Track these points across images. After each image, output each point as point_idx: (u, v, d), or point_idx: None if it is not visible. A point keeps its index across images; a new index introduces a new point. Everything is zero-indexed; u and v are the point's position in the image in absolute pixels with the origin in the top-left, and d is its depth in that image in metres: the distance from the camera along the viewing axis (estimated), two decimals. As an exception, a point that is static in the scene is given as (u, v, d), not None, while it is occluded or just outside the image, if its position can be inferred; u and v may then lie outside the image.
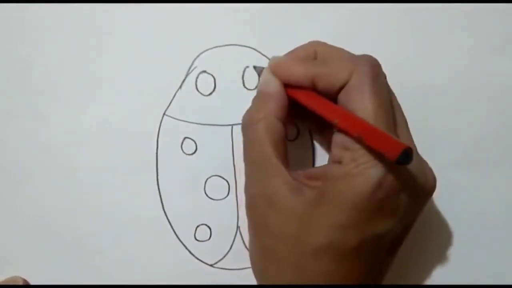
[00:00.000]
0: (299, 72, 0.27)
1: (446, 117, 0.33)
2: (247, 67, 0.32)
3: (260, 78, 0.29)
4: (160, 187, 0.32)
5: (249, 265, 0.31)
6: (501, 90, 0.33)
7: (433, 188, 0.27)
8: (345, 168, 0.25)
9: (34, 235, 0.32)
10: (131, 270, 0.32)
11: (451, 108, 0.33)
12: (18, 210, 0.32)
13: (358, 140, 0.25)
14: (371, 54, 0.32)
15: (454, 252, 0.33)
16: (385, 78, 0.28)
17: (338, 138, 0.26)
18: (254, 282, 0.29)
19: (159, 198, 0.32)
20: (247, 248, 0.32)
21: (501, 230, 0.33)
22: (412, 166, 0.25)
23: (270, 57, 0.32)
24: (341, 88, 0.26)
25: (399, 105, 0.28)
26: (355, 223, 0.25)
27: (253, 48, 0.32)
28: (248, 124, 0.28)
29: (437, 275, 0.33)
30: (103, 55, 0.32)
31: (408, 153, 0.23)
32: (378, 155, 0.25)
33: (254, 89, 0.32)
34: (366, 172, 0.24)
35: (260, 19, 0.32)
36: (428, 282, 0.33)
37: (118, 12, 0.32)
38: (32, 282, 0.32)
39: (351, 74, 0.26)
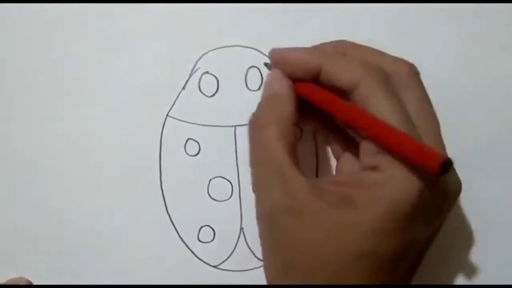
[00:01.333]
0: (305, 59, 0.26)
1: (449, 118, 0.33)
2: (250, 67, 0.32)
3: (266, 79, 0.28)
4: (163, 188, 0.32)
5: (253, 267, 0.31)
6: (503, 90, 0.33)
7: (460, 189, 0.26)
8: (383, 175, 0.24)
9: (37, 236, 0.32)
10: (134, 271, 0.32)
11: (458, 109, 0.33)
12: (21, 211, 0.32)
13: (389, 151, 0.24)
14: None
15: (462, 253, 0.33)
16: (416, 76, 0.27)
17: (369, 144, 0.25)
18: (257, 283, 0.29)
19: (162, 199, 0.32)
20: (250, 250, 0.32)
21: (506, 232, 0.33)
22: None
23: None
24: (346, 90, 0.25)
25: (428, 109, 0.26)
26: (394, 230, 0.23)
27: (256, 49, 0.32)
28: (257, 127, 0.26)
29: (442, 276, 0.33)
30: (106, 56, 0.32)
31: (448, 164, 0.22)
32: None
33: (257, 90, 0.32)
34: (406, 179, 0.23)
35: (263, 20, 0.32)
36: (433, 282, 0.33)
37: (120, 13, 0.32)
38: (35, 282, 0.32)
39: (360, 81, 0.25)
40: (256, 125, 0.26)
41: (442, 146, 0.26)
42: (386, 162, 0.24)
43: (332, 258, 0.23)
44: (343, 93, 0.26)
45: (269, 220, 0.25)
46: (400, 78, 0.26)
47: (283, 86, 0.26)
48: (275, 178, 0.25)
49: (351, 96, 0.25)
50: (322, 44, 0.28)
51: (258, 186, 0.26)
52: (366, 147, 0.25)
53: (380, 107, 0.24)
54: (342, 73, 0.25)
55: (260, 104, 0.27)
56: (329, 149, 0.32)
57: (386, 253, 0.24)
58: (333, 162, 0.31)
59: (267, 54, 0.32)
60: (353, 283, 0.23)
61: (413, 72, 0.27)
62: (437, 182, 0.24)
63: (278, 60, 0.27)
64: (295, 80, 0.27)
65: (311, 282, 0.24)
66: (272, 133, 0.25)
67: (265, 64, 0.30)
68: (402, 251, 0.24)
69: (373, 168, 0.24)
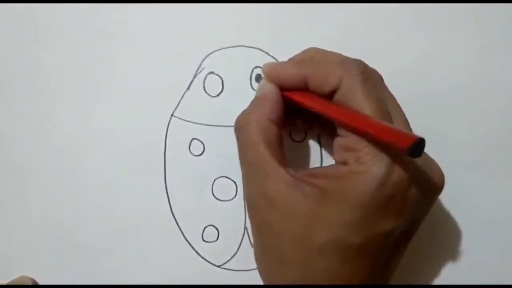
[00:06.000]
0: (291, 72, 0.28)
1: (456, 117, 0.33)
2: (255, 67, 0.32)
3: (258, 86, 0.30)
4: (168, 188, 0.32)
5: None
6: (507, 90, 0.33)
7: (441, 184, 0.27)
8: (349, 168, 0.25)
9: (43, 235, 0.32)
10: (139, 271, 0.32)
11: (461, 108, 0.33)
12: (27, 210, 0.32)
13: (366, 136, 0.25)
14: (378, 55, 0.32)
15: (462, 253, 0.33)
16: (381, 80, 0.28)
17: (340, 141, 0.27)
18: (261, 282, 0.29)
19: (166, 199, 0.32)
20: (254, 249, 0.32)
21: (508, 232, 0.33)
22: (417, 163, 0.25)
23: (278, 58, 0.32)
24: (331, 91, 0.27)
25: (398, 106, 0.28)
26: (361, 221, 0.25)
27: (261, 49, 0.32)
28: (240, 126, 0.28)
29: (444, 276, 0.33)
30: (111, 56, 0.32)
31: (421, 144, 0.23)
32: (381, 154, 0.25)
33: (261, 90, 0.32)
34: (370, 170, 0.25)
35: (268, 20, 0.32)
36: (434, 282, 0.33)
37: (126, 13, 0.32)
38: (41, 282, 0.32)
39: (341, 79, 0.26)
40: (239, 124, 0.29)
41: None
42: (353, 158, 0.25)
43: (301, 246, 0.26)
44: (332, 94, 0.27)
45: (252, 209, 0.28)
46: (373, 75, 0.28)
47: (265, 90, 0.29)
48: (257, 171, 0.27)
49: (336, 94, 0.27)
50: (297, 55, 0.30)
51: (244, 178, 0.29)
52: (337, 144, 0.27)
53: (359, 99, 0.26)
54: (324, 76, 0.27)
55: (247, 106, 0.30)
56: (331, 148, 0.32)
57: (350, 244, 0.25)
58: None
59: (273, 56, 0.32)
60: (320, 270, 0.25)
61: (379, 75, 0.28)
62: (405, 177, 0.25)
63: (269, 73, 0.29)
64: (288, 89, 0.29)
65: (283, 265, 0.26)
66: (251, 129, 0.28)
67: (257, 75, 0.32)
68: (369, 243, 0.25)
69: (343, 163, 0.26)
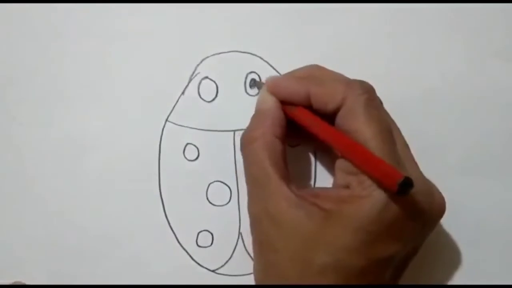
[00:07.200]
0: (294, 87, 0.28)
1: (447, 121, 0.33)
2: (250, 73, 0.32)
3: (257, 97, 0.30)
4: (162, 193, 0.32)
5: (251, 271, 0.31)
6: (501, 94, 0.33)
7: (441, 211, 0.27)
8: (351, 191, 0.26)
9: (37, 240, 0.32)
10: (133, 276, 0.32)
11: (452, 112, 0.33)
12: (20, 214, 0.32)
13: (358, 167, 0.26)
14: (372, 57, 0.32)
15: (454, 256, 0.33)
16: (381, 103, 0.28)
17: (341, 164, 0.27)
18: None
19: (161, 204, 0.32)
20: (249, 254, 0.32)
21: (502, 234, 0.33)
22: (419, 190, 0.25)
23: (272, 63, 0.32)
24: (335, 110, 0.27)
25: (399, 131, 0.28)
26: (362, 245, 0.25)
27: (255, 55, 0.32)
28: (246, 144, 0.28)
29: (438, 278, 0.33)
30: (105, 61, 0.32)
31: (407, 183, 0.23)
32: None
33: (256, 95, 0.32)
34: (372, 195, 0.25)
35: (263, 26, 0.32)
36: (433, 283, 0.33)
37: (120, 17, 0.32)
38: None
39: (345, 98, 0.26)
40: (245, 141, 0.29)
41: (415, 163, 0.28)
42: (356, 182, 0.26)
43: (301, 265, 0.26)
44: (335, 113, 0.27)
45: (255, 226, 0.28)
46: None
47: (267, 103, 0.29)
48: (261, 189, 0.27)
49: (339, 113, 0.27)
50: (298, 70, 0.30)
51: (249, 195, 0.29)
52: (339, 166, 0.27)
53: (360, 119, 0.26)
54: (328, 94, 0.27)
55: (250, 121, 0.29)
56: (327, 158, 0.32)
57: (350, 268, 0.25)
58: (331, 170, 0.32)
59: (268, 61, 0.32)
60: None
61: (380, 100, 0.28)
62: (407, 203, 0.25)
63: (272, 87, 0.29)
64: (287, 103, 0.29)
65: (282, 282, 0.26)
66: (258, 148, 0.27)
67: (252, 80, 0.32)
68: (369, 267, 0.25)
69: (345, 187, 0.26)
